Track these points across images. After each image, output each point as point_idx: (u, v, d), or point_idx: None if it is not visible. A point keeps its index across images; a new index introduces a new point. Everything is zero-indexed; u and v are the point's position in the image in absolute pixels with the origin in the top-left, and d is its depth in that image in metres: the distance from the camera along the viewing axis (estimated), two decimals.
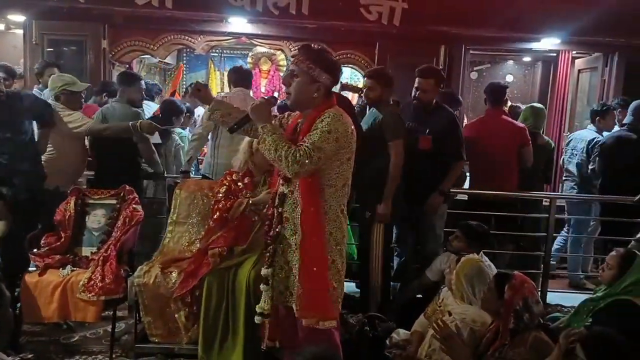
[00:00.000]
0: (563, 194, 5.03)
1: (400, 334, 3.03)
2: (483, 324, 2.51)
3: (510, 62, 8.50)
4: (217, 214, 3.14)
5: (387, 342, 2.99)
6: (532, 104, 4.94)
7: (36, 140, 3.60)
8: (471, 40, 5.42)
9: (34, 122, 3.60)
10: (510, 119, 4.49)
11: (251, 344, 2.90)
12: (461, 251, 3.16)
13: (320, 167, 2.22)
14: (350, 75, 8.48)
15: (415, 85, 3.69)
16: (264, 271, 2.39)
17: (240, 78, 4.22)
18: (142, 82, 4.16)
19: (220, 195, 3.19)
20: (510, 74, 8.56)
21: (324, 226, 2.26)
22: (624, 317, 2.53)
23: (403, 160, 3.48)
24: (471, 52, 5.76)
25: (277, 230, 2.34)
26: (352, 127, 2.29)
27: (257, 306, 2.45)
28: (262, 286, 2.42)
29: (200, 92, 2.53)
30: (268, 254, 2.38)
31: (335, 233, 2.30)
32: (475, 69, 8.34)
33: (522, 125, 4.38)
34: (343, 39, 5.30)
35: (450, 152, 3.75)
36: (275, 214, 2.34)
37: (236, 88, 4.19)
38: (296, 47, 5.34)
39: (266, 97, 2.43)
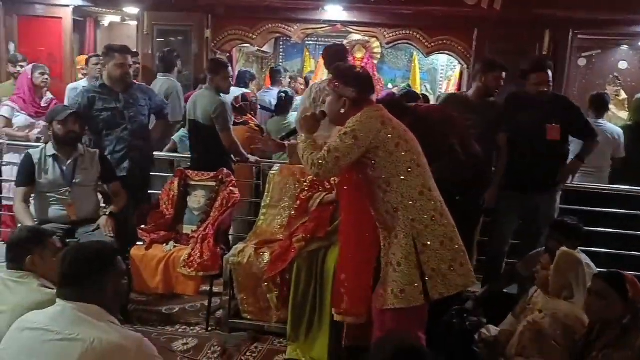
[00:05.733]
0: None
1: (491, 330, 2.96)
2: (576, 319, 2.41)
3: (624, 47, 7.81)
4: (298, 202, 3.25)
5: (476, 337, 2.94)
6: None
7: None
8: (579, 24, 5.05)
9: None
10: None
11: (337, 329, 2.94)
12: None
13: (354, 167, 2.30)
14: (447, 62, 8.29)
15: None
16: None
17: (331, 62, 3.85)
18: (229, 69, 4.10)
19: (306, 184, 3.27)
20: (624, 60, 7.87)
21: (373, 226, 2.37)
22: None
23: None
24: (579, 37, 5.38)
25: None
26: (381, 119, 2.28)
27: None
28: None
29: None
30: None
31: (420, 217, 2.26)
32: (583, 55, 7.76)
33: None
34: (439, 25, 5.16)
35: (586, 133, 3.71)
36: None
37: None
38: (391, 34, 5.28)
39: (316, 112, 2.52)
